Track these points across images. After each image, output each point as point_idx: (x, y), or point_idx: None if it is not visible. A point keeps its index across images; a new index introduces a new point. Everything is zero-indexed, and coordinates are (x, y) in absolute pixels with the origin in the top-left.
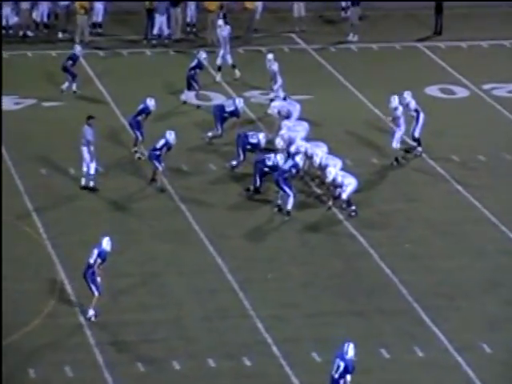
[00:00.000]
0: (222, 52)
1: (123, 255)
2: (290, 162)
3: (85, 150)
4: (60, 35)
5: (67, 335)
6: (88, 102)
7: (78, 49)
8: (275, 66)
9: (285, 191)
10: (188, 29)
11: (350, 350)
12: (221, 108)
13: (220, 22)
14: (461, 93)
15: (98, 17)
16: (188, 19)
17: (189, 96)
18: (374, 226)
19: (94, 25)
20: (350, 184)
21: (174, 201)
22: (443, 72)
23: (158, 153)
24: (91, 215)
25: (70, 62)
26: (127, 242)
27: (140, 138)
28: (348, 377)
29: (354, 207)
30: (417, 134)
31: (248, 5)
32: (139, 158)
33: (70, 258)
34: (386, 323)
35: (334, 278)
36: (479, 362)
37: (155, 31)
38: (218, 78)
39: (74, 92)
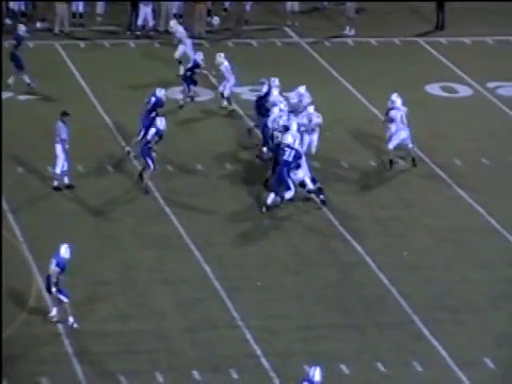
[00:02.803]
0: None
1: (103, 261)
2: (292, 153)
3: (59, 147)
4: (38, 25)
5: (44, 345)
6: (67, 96)
7: (22, 29)
8: (226, 65)
9: (288, 185)
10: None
11: (317, 375)
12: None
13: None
14: (463, 91)
15: (79, 6)
16: (174, 10)
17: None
18: (371, 234)
19: (74, 15)
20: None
21: (158, 204)
22: (445, 69)
23: (150, 145)
24: (70, 217)
25: (14, 43)
26: (107, 248)
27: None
28: None
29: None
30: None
31: None
32: (128, 153)
33: (47, 262)
34: (383, 337)
35: (329, 289)
36: (482, 379)
37: (139, 22)
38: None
39: (29, 85)
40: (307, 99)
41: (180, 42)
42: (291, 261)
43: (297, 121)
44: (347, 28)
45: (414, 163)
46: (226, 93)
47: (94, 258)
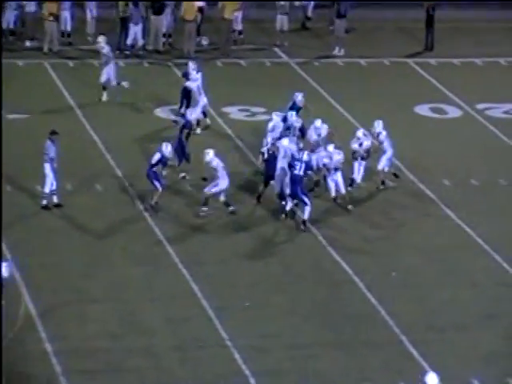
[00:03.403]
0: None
1: (92, 279)
2: (303, 166)
3: (47, 166)
4: (27, 43)
5: (32, 363)
6: (56, 115)
7: None
8: (196, 85)
9: (303, 201)
10: (164, 39)
11: None
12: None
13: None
14: (453, 112)
15: (66, 26)
16: (164, 29)
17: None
18: (360, 253)
19: (63, 34)
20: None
21: (146, 222)
22: (434, 90)
23: (154, 169)
24: (58, 235)
25: None
26: (96, 266)
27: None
28: None
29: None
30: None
31: (226, 15)
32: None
33: (36, 280)
34: (371, 356)
35: (317, 308)
36: None
37: (129, 41)
38: (104, 97)
39: None
40: (325, 131)
41: (106, 63)
42: (280, 279)
43: (315, 157)
44: (336, 48)
45: (396, 175)
46: (194, 116)
47: (82, 275)
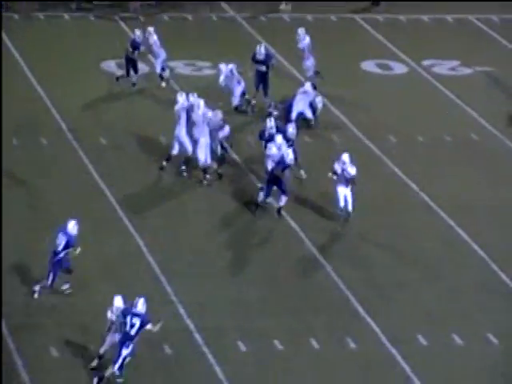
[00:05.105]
0: None
1: (37, 240)
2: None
3: None
4: None
5: None
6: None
7: None
8: (155, 39)
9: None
10: None
11: (140, 305)
12: None
13: None
14: (399, 69)
15: None
16: None
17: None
18: (304, 208)
19: None
20: None
21: (92, 177)
22: (380, 46)
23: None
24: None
25: None
26: (41, 223)
27: None
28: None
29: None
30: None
31: None
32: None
33: None
34: (316, 313)
35: (263, 264)
36: (414, 354)
37: None
38: None
39: None
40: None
41: None
42: (225, 242)
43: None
44: (283, 3)
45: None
46: (158, 69)
47: (28, 230)
